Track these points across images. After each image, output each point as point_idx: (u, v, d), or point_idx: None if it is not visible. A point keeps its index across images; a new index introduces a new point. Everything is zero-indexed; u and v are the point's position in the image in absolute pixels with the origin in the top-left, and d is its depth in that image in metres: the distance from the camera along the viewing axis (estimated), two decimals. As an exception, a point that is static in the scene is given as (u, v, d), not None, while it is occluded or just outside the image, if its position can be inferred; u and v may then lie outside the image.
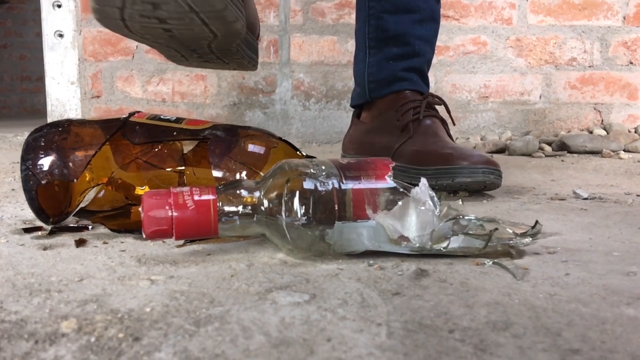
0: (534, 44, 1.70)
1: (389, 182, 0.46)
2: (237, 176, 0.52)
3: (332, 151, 1.47)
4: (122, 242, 0.52)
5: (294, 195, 0.44)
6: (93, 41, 1.64)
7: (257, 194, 0.45)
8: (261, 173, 0.52)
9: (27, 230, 0.55)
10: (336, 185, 0.45)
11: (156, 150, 0.59)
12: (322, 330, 0.32)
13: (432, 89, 1.62)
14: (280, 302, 0.36)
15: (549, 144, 1.47)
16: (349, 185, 0.45)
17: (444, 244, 0.46)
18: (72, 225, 0.57)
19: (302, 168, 0.45)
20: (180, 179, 0.59)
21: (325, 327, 0.32)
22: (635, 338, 0.31)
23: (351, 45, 1.64)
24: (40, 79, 4.10)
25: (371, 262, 0.45)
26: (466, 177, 0.75)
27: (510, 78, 1.71)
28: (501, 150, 1.43)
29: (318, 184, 0.44)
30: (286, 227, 0.44)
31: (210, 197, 0.44)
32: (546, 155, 1.36)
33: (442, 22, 1.65)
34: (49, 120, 1.61)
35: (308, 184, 0.44)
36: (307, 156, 0.53)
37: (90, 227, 0.56)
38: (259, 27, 0.86)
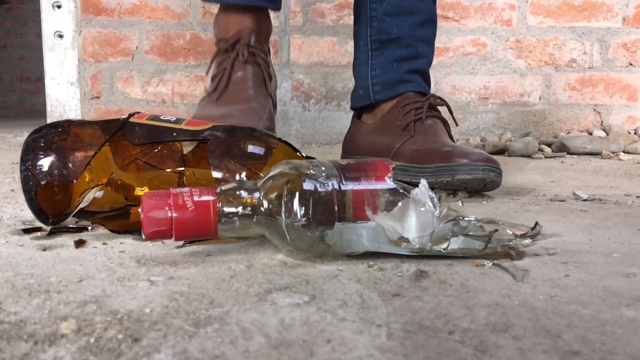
0: (533, 45, 1.70)
1: (388, 183, 0.46)
2: (237, 177, 0.52)
3: (331, 152, 1.47)
4: (121, 243, 0.52)
5: (293, 196, 0.44)
6: (93, 42, 1.64)
7: (256, 194, 0.45)
8: (261, 174, 0.52)
9: (26, 231, 0.55)
10: (336, 186, 0.45)
11: (156, 151, 0.59)
12: (321, 331, 0.32)
13: (432, 90, 1.62)
14: (280, 303, 0.36)
15: (549, 145, 1.47)
16: (348, 186, 0.45)
17: (444, 245, 0.46)
18: (71, 226, 0.57)
19: (301, 169, 0.45)
20: (180, 179, 0.59)
21: (325, 329, 0.32)
22: (635, 340, 0.31)
23: (351, 46, 1.64)
24: (40, 79, 4.10)
25: (371, 263, 0.45)
26: (466, 175, 0.75)
27: (510, 79, 1.71)
28: (501, 151, 1.43)
29: (318, 185, 0.44)
30: (286, 228, 0.44)
31: (210, 198, 0.44)
32: (546, 157, 1.36)
33: (442, 23, 1.66)
34: (49, 120, 1.61)
35: (308, 185, 0.44)
36: (307, 157, 0.53)
37: (89, 227, 0.56)
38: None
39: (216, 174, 0.52)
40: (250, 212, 0.44)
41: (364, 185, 0.46)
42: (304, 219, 0.43)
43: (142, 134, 0.55)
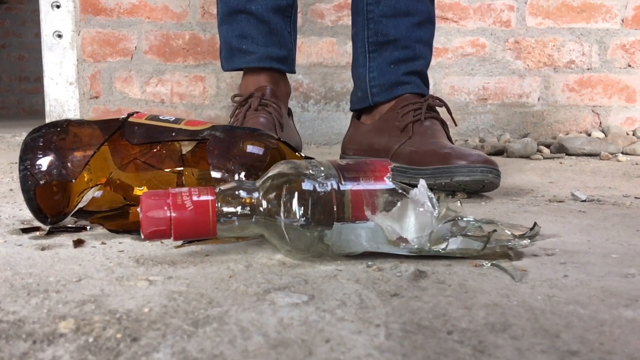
0: (532, 46, 1.70)
1: (387, 183, 0.46)
2: (236, 177, 0.52)
3: (330, 152, 1.47)
4: (120, 243, 0.52)
5: (292, 196, 0.44)
6: (92, 42, 1.64)
7: (255, 194, 0.45)
8: (260, 174, 0.52)
9: (25, 231, 0.55)
10: (335, 187, 0.45)
11: (155, 150, 0.59)
12: (320, 331, 0.32)
13: (431, 90, 1.62)
14: (278, 303, 0.36)
15: (547, 146, 1.48)
16: (347, 186, 0.45)
17: (443, 246, 0.46)
18: (70, 225, 0.57)
19: (300, 169, 0.45)
20: (179, 179, 0.59)
21: (323, 328, 0.32)
22: (634, 340, 0.31)
23: (350, 47, 1.64)
24: (39, 79, 4.10)
25: (370, 263, 0.45)
26: (465, 176, 0.75)
27: (508, 80, 1.71)
28: (499, 152, 1.43)
29: (317, 185, 0.44)
30: (285, 228, 0.44)
31: (209, 197, 0.44)
32: (544, 158, 1.36)
33: (441, 24, 1.66)
34: (47, 120, 1.61)
35: (307, 185, 0.44)
36: (306, 157, 0.53)
37: (88, 227, 0.56)
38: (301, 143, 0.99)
39: (215, 174, 0.52)
40: (249, 212, 0.44)
41: (362, 186, 0.46)
42: (302, 219, 0.43)
43: (141, 134, 0.55)
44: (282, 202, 0.44)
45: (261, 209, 0.44)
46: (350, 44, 1.65)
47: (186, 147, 0.59)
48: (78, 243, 0.51)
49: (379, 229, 0.45)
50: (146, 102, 1.67)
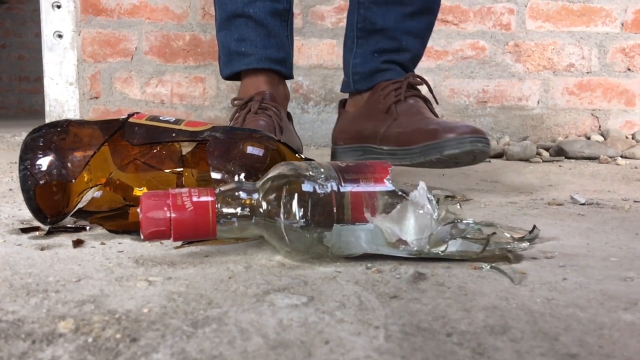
0: (532, 49, 1.70)
1: (387, 185, 0.46)
2: (236, 178, 0.52)
3: (330, 154, 1.47)
4: (119, 243, 0.52)
5: (292, 198, 0.44)
6: (92, 42, 1.64)
7: (255, 195, 0.45)
8: (260, 175, 0.52)
9: (24, 231, 0.54)
10: (335, 188, 0.45)
11: (155, 151, 0.59)
12: (319, 332, 0.32)
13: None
14: (278, 304, 0.36)
15: (547, 149, 1.48)
16: (347, 188, 0.45)
17: (442, 248, 0.46)
18: (69, 225, 0.57)
19: (300, 170, 0.45)
20: (179, 180, 0.59)
21: (323, 330, 0.32)
22: (633, 343, 0.31)
23: (350, 48, 1.64)
24: (39, 79, 4.10)
25: (369, 265, 0.45)
26: (454, 149, 0.74)
27: (508, 83, 1.71)
28: (499, 155, 1.43)
29: (317, 187, 0.44)
30: (284, 229, 0.44)
31: (209, 198, 0.44)
32: (544, 161, 1.36)
33: (441, 26, 1.66)
34: (47, 120, 1.61)
35: (307, 187, 0.44)
36: (306, 159, 0.53)
37: (88, 227, 0.56)
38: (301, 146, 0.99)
39: (215, 175, 0.52)
40: (249, 213, 0.44)
41: (362, 187, 0.46)
42: (302, 221, 0.43)
43: (141, 134, 0.55)
44: (282, 203, 0.44)
45: (261, 210, 0.44)
46: (350, 46, 1.65)
47: (186, 148, 0.60)
48: (77, 243, 0.51)
49: (379, 230, 0.45)
50: (146, 102, 1.67)
